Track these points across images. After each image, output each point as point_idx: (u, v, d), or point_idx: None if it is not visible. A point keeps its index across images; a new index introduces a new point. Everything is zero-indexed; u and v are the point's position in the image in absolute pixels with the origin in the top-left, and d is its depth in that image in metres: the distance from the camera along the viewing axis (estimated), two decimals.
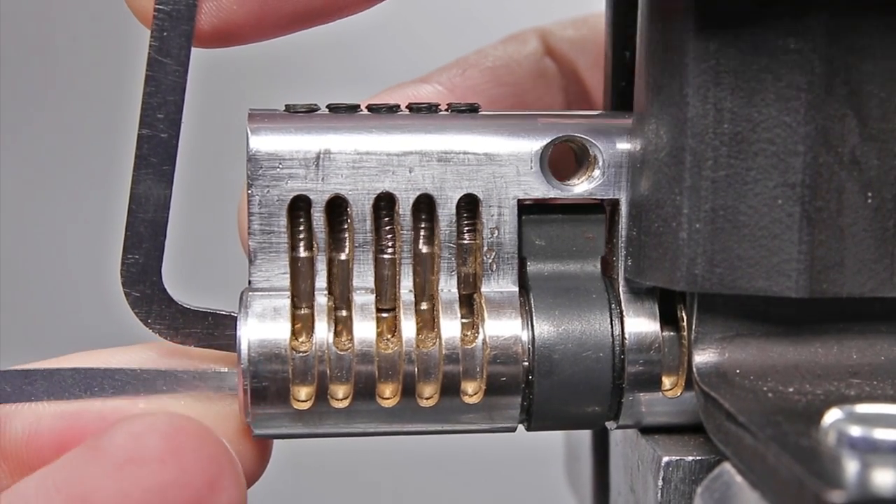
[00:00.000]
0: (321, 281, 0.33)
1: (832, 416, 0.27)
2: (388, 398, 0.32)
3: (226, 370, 0.33)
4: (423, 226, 0.33)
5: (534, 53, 0.40)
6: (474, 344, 0.32)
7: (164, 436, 0.29)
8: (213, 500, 0.29)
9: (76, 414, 0.32)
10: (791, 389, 0.31)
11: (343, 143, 0.32)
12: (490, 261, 0.33)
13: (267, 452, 0.34)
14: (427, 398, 0.32)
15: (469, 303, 0.33)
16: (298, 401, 0.32)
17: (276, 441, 0.34)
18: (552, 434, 0.37)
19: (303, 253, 0.32)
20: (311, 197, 0.32)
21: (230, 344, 0.32)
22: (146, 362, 0.33)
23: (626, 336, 0.33)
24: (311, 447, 0.36)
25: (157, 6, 0.31)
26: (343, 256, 0.33)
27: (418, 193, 0.33)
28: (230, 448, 0.30)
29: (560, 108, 0.40)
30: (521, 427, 0.34)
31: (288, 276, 0.32)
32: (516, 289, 0.33)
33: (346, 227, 0.33)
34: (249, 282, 0.32)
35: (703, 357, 0.32)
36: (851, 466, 0.25)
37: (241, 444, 0.33)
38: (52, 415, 0.32)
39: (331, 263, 0.33)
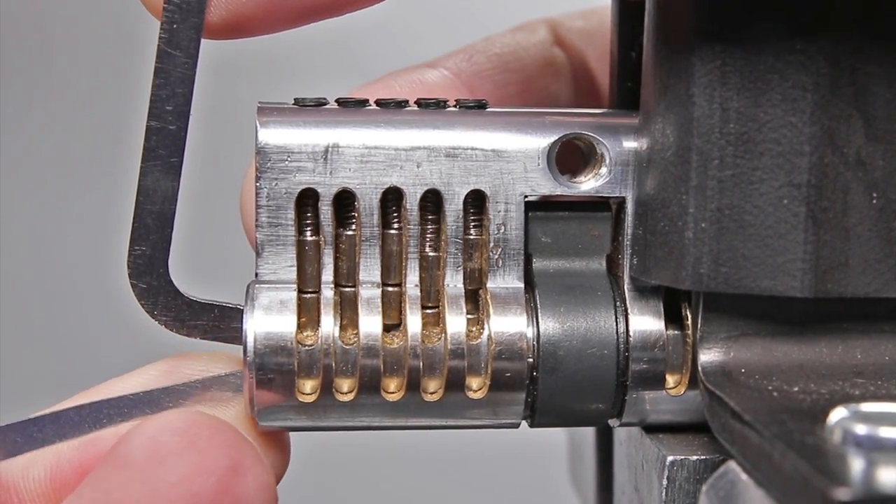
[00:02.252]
0: (328, 274, 0.33)
1: (837, 414, 0.27)
2: (392, 392, 0.32)
3: (225, 373, 0.33)
4: (429, 221, 0.33)
5: (542, 42, 0.40)
6: (479, 339, 0.32)
7: (179, 431, 0.29)
8: (240, 482, 0.29)
9: (93, 440, 0.33)
10: (796, 388, 0.31)
11: (351, 137, 0.32)
12: (496, 257, 0.33)
13: (285, 452, 0.34)
14: (431, 393, 0.32)
15: (474, 298, 0.33)
16: (303, 394, 0.32)
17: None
18: (556, 431, 0.37)
19: (310, 246, 0.32)
20: (319, 190, 0.32)
21: (236, 337, 0.33)
22: (148, 383, 0.33)
23: (631, 334, 0.33)
24: (315, 440, 0.36)
25: None
26: (350, 250, 0.33)
27: (426, 188, 0.33)
28: (247, 435, 0.31)
29: (568, 98, 0.40)
30: (524, 423, 0.34)
31: (295, 269, 0.32)
32: (522, 285, 0.33)
33: (353, 221, 0.33)
34: (256, 274, 0.32)
35: (709, 356, 0.32)
36: (857, 464, 0.25)
37: (258, 445, 0.33)
38: (70, 447, 0.33)
39: (337, 257, 0.33)
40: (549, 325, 0.33)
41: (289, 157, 0.32)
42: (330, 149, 0.32)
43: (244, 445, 0.30)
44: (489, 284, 0.33)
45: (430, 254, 0.33)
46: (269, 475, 0.30)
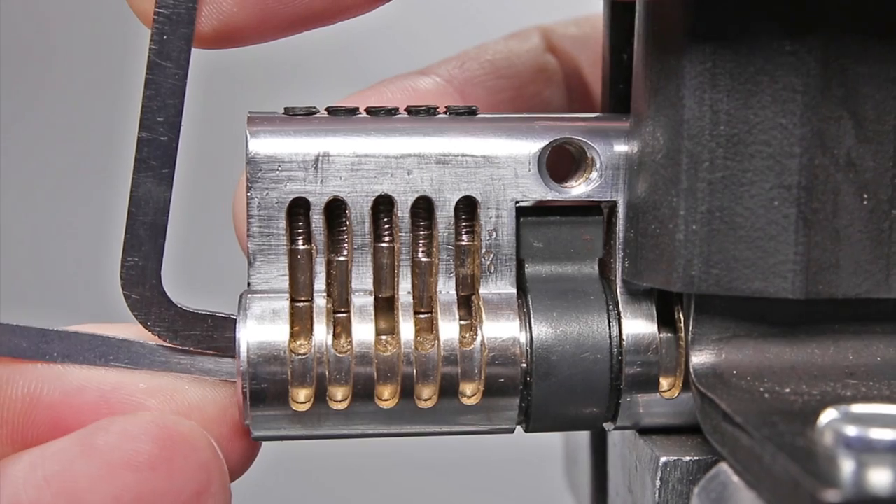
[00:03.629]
0: (320, 283, 0.33)
1: (828, 416, 0.27)
2: (386, 400, 0.32)
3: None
4: (421, 228, 0.33)
5: (535, 49, 0.40)
6: (473, 346, 0.32)
7: (158, 441, 0.29)
8: None
9: (77, 391, 0.32)
10: (787, 390, 0.31)
11: (342, 145, 0.32)
12: (488, 263, 0.33)
13: (253, 449, 0.34)
14: (425, 400, 0.32)
15: (467, 304, 0.33)
16: (297, 402, 0.32)
17: (273, 443, 0.34)
18: (550, 435, 0.37)
19: (302, 255, 0.32)
20: (310, 199, 0.32)
21: (229, 346, 0.33)
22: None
23: (624, 337, 0.33)
24: (309, 448, 0.36)
25: (157, 9, 0.32)
26: (342, 258, 0.33)
27: (417, 195, 0.33)
28: (219, 452, 0.31)
29: (561, 105, 0.40)
30: (519, 428, 0.34)
31: (287, 278, 0.32)
32: (514, 290, 0.33)
33: (344, 229, 0.33)
34: (249, 284, 0.33)
35: (701, 358, 0.32)
36: (847, 466, 0.25)
37: (236, 439, 0.33)
38: (51, 386, 0.32)
39: (330, 265, 0.33)
40: (542, 330, 0.33)
41: (279, 166, 0.32)
42: (320, 157, 0.32)
43: (215, 468, 0.30)
44: (482, 290, 0.33)
45: (423, 259, 0.33)
46: (229, 499, 0.30)
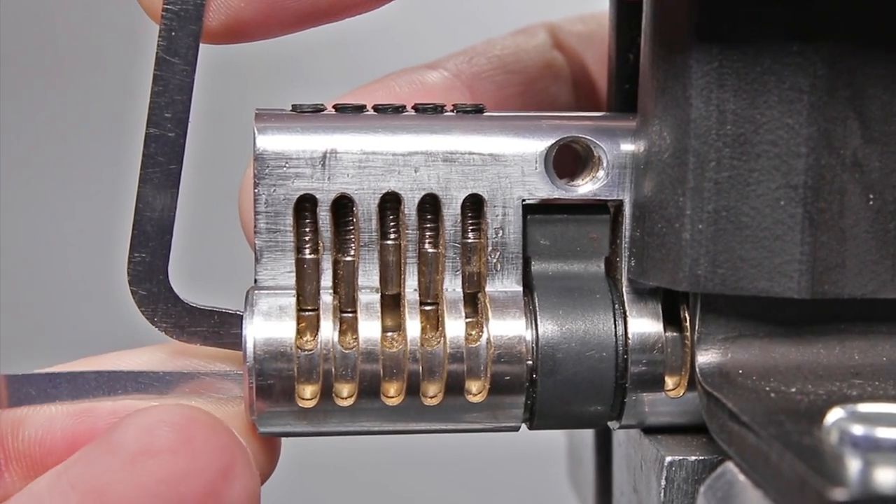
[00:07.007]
0: (327, 280, 0.33)
1: (834, 415, 0.27)
2: (392, 397, 0.32)
3: (236, 371, 0.34)
4: (428, 225, 0.33)
5: (542, 45, 0.40)
6: (478, 343, 0.33)
7: (176, 427, 0.29)
8: (227, 488, 0.29)
9: (88, 410, 0.32)
10: (793, 389, 0.31)
11: (349, 142, 0.32)
12: (494, 260, 0.33)
13: (275, 453, 0.34)
14: (431, 397, 0.32)
15: (473, 302, 0.33)
16: (303, 399, 0.32)
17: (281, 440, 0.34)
18: (555, 433, 0.37)
19: (308, 252, 0.33)
20: (318, 196, 0.32)
21: (236, 342, 0.33)
22: (155, 365, 0.34)
23: (630, 336, 0.33)
24: (313, 443, 0.36)
25: (166, 6, 0.32)
26: (348, 256, 0.33)
27: (424, 193, 0.33)
28: (241, 439, 0.31)
29: (568, 101, 0.40)
30: (524, 426, 0.34)
31: (294, 274, 0.32)
32: (520, 288, 0.33)
33: (351, 226, 0.33)
34: (255, 280, 0.33)
35: (706, 357, 0.32)
36: (854, 465, 0.25)
37: (250, 445, 0.33)
38: (64, 414, 0.32)
39: (336, 262, 0.33)
40: (548, 328, 0.33)
41: (287, 163, 0.32)
42: (328, 154, 0.32)
43: (237, 449, 0.30)
44: (488, 288, 0.33)
45: (430, 251, 0.33)
46: (257, 482, 0.30)
